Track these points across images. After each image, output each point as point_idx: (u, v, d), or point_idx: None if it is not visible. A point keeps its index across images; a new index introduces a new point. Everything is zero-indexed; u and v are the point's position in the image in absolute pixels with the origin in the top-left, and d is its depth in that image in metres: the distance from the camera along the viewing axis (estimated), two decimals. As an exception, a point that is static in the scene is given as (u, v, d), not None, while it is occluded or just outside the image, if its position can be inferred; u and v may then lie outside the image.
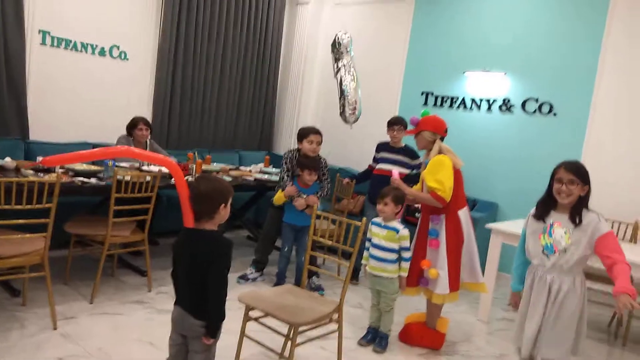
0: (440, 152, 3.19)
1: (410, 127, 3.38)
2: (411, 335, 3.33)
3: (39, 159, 3.44)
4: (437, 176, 3.10)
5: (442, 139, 3.27)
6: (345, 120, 4.91)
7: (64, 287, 3.51)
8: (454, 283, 3.19)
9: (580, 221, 2.30)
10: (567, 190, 2.30)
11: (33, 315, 3.03)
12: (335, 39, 4.82)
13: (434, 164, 3.15)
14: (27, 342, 2.72)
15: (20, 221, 2.70)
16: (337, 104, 4.99)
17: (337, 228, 2.97)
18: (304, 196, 3.85)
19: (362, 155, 5.34)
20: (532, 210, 2.52)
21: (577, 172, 2.31)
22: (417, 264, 3.23)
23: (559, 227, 2.35)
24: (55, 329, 2.89)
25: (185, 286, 2.06)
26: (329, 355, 2.99)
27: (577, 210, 2.32)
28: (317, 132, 4.01)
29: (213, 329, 2.00)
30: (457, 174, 3.20)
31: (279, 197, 3.92)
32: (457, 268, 3.21)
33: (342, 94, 4.79)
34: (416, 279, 3.26)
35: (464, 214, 3.25)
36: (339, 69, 4.79)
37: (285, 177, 3.97)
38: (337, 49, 4.82)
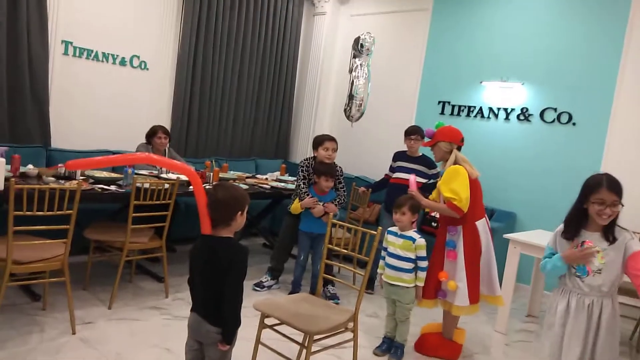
0: (456, 162, 3.17)
1: (426, 140, 3.39)
2: (427, 345, 3.30)
3: (61, 167, 3.53)
4: (452, 186, 3.08)
5: (459, 148, 3.26)
6: (349, 117, 4.94)
7: (83, 293, 3.56)
8: (474, 295, 3.14)
9: (615, 239, 2.16)
10: (611, 213, 2.13)
11: (53, 320, 3.08)
12: (359, 39, 4.86)
13: (448, 174, 3.13)
14: (47, 346, 2.76)
15: (41, 227, 2.76)
16: (362, 113, 5.04)
17: (352, 237, 2.96)
18: (322, 204, 3.86)
19: (378, 165, 5.34)
20: (559, 228, 2.35)
21: (620, 192, 2.14)
22: (435, 275, 3.21)
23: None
24: (74, 333, 2.94)
25: (202, 293, 2.08)
26: (344, 364, 2.98)
27: (610, 228, 2.17)
28: (332, 139, 4.04)
29: (229, 336, 2.01)
30: (475, 184, 3.16)
31: (295, 207, 3.94)
32: (477, 280, 3.17)
33: (350, 98, 4.84)
34: (434, 291, 3.23)
35: (482, 224, 3.21)
36: (355, 67, 4.83)
37: (302, 185, 3.99)
38: (357, 49, 4.86)
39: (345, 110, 4.99)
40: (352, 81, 4.88)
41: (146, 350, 2.88)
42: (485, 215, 3.30)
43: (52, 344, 2.80)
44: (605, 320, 2.18)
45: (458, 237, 3.16)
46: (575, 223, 2.25)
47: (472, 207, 3.10)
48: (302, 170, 4.07)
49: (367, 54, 4.82)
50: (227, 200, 2.03)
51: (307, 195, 3.91)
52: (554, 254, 2.33)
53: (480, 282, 3.21)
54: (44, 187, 2.74)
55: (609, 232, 2.17)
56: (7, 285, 2.72)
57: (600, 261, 2.18)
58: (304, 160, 4.15)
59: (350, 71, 4.91)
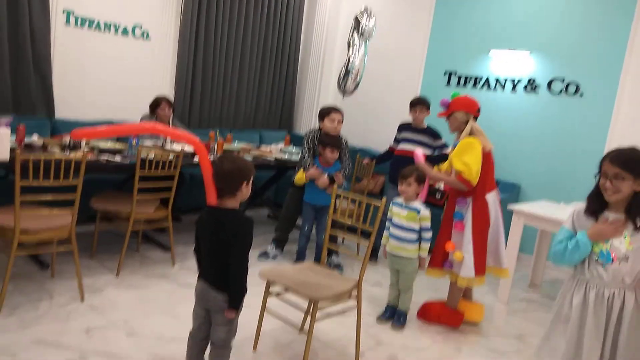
0: (471, 133, 3.13)
1: (441, 110, 3.32)
2: (429, 313, 3.35)
3: (66, 137, 3.54)
4: (464, 158, 3.06)
5: (475, 119, 3.21)
6: (343, 91, 4.90)
7: (91, 261, 3.62)
8: (480, 267, 3.15)
9: None
10: (612, 187, 1.90)
11: (61, 287, 3.14)
12: (360, 20, 4.79)
13: (462, 146, 3.11)
14: (57, 312, 2.83)
15: (48, 197, 2.78)
16: (357, 84, 4.99)
17: (356, 208, 2.98)
18: (326, 174, 3.86)
19: (383, 136, 5.32)
20: (577, 207, 2.07)
21: (625, 164, 1.88)
22: (442, 245, 3.23)
23: None
24: (82, 300, 3.00)
25: (208, 262, 2.11)
26: (347, 331, 3.03)
27: (635, 209, 1.89)
28: (338, 110, 4.02)
29: (235, 303, 2.05)
30: (487, 157, 3.14)
31: (300, 178, 3.94)
32: (483, 252, 3.18)
33: (347, 73, 4.79)
34: (441, 260, 3.26)
35: (492, 197, 3.20)
36: (352, 40, 4.78)
37: (307, 157, 3.99)
38: (357, 28, 4.80)
39: (339, 84, 4.94)
40: (349, 57, 4.83)
41: (154, 317, 2.94)
42: (497, 188, 3.29)
43: (62, 311, 2.86)
44: (627, 314, 1.92)
45: (467, 209, 3.16)
46: (597, 199, 1.98)
47: (482, 180, 3.09)
48: (307, 142, 4.06)
49: (369, 37, 4.75)
50: (233, 171, 2.05)
51: (312, 166, 3.91)
52: (571, 238, 2.03)
53: (487, 254, 3.22)
54: (49, 157, 2.75)
55: (636, 214, 1.89)
56: (16, 254, 2.76)
57: (627, 247, 1.92)
58: (310, 131, 4.13)
59: (349, 46, 4.85)
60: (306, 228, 3.99)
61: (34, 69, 4.44)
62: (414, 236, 3.14)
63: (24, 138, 3.37)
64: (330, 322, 2.95)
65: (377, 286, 3.88)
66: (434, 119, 4.30)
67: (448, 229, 3.25)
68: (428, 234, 3.14)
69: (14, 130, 3.30)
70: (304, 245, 4.01)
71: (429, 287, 3.86)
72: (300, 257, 4.01)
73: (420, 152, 3.35)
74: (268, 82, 6.34)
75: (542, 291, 4.24)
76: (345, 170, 4.06)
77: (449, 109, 3.24)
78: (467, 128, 3.15)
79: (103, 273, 3.45)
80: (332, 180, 3.87)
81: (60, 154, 3.13)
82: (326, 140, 3.89)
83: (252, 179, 2.12)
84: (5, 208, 2.94)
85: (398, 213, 3.17)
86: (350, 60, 4.76)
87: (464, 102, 3.22)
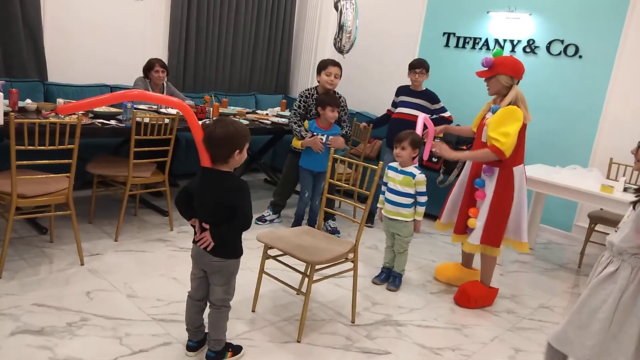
0: (514, 102, 2.90)
1: (482, 69, 3.01)
2: (469, 298, 3.12)
3: (60, 101, 3.50)
4: (504, 129, 2.83)
5: (517, 84, 2.98)
6: (340, 50, 4.78)
7: (89, 226, 3.64)
8: (494, 238, 3.03)
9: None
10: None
11: (60, 252, 3.17)
12: None
13: (504, 114, 2.86)
14: (57, 276, 2.86)
15: (44, 162, 2.77)
16: (355, 46, 4.88)
17: (353, 172, 2.97)
18: (323, 138, 3.79)
19: (380, 100, 5.27)
20: None
21: None
22: (465, 211, 3.14)
23: None
24: (82, 264, 3.03)
25: (203, 221, 2.11)
26: (344, 292, 3.09)
27: None
28: (336, 64, 3.92)
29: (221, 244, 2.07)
30: (523, 129, 2.94)
31: (295, 141, 3.90)
32: (500, 224, 3.03)
33: (340, 29, 4.66)
34: (464, 227, 3.17)
35: (519, 171, 3.03)
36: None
37: (297, 123, 3.89)
38: None
39: (335, 41, 4.82)
40: (341, 10, 4.68)
41: (153, 279, 2.98)
42: (523, 162, 3.10)
43: (62, 274, 2.89)
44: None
45: (492, 178, 3.00)
46: None
47: (514, 152, 2.90)
48: (301, 101, 3.97)
49: None
50: (224, 136, 1.98)
51: (306, 133, 3.82)
52: None
53: (507, 227, 3.08)
54: (44, 122, 2.72)
55: None
56: (14, 218, 2.78)
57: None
58: (304, 91, 4.04)
59: (336, 3, 4.72)
60: (306, 195, 3.92)
61: (24, 31, 4.34)
62: (409, 201, 3.15)
63: (17, 102, 3.33)
64: (327, 283, 3.00)
65: (372, 249, 3.93)
66: (431, 81, 4.27)
67: (471, 194, 3.12)
68: (423, 198, 3.15)
69: (6, 94, 3.26)
70: (302, 211, 3.98)
71: (426, 250, 3.91)
72: (297, 222, 4.01)
73: (422, 118, 3.24)
74: (263, 44, 6.22)
75: (535, 253, 4.31)
76: (346, 132, 4.01)
77: (493, 70, 2.92)
78: (512, 93, 2.90)
79: (102, 237, 3.48)
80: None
81: (55, 118, 3.10)
82: (325, 99, 3.75)
83: (247, 145, 2.06)
84: (2, 173, 2.94)
85: (393, 178, 3.18)
86: (344, 14, 4.61)
87: (511, 64, 2.93)
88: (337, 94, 4.00)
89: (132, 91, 2.70)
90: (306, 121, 3.91)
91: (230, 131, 2.00)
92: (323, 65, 3.92)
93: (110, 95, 2.40)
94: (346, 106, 4.07)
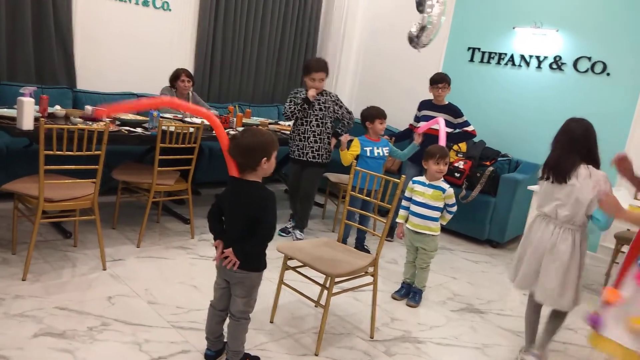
0: None
1: None
2: None
3: (88, 108, 3.57)
4: None
5: None
6: (415, 45, 4.65)
7: (112, 231, 3.68)
8: None
9: None
10: None
11: (84, 256, 3.21)
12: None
13: None
14: (79, 280, 2.90)
15: (71, 167, 2.83)
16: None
17: (375, 185, 2.96)
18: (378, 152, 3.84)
19: (402, 114, 5.26)
20: None
21: None
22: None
23: None
24: (104, 269, 3.06)
25: (229, 233, 2.12)
26: (362, 306, 3.06)
27: None
28: (320, 69, 3.93)
29: (241, 254, 2.06)
30: None
31: (345, 158, 3.75)
32: None
33: (422, 29, 4.55)
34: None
35: None
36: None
37: (289, 108, 3.93)
38: None
39: (410, 38, 4.64)
40: (426, 8, 4.55)
41: (174, 286, 3.00)
42: None
43: (84, 279, 2.93)
44: None
45: None
46: None
47: None
48: (291, 101, 3.98)
49: None
50: (250, 145, 1.99)
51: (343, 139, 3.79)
52: None
53: None
54: (72, 128, 2.78)
55: None
56: (40, 221, 2.83)
57: None
58: (293, 92, 4.05)
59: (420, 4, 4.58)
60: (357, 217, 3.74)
61: (56, 39, 4.46)
62: (437, 214, 3.15)
63: (47, 108, 3.41)
64: (346, 296, 2.98)
65: (392, 263, 3.89)
66: (454, 96, 4.25)
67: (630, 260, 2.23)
68: (454, 208, 3.17)
69: (37, 100, 3.34)
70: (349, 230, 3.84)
71: (447, 267, 3.86)
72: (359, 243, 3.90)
73: (434, 122, 3.26)
74: (287, 57, 6.27)
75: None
76: (348, 121, 4.10)
77: None
78: None
79: (124, 243, 3.52)
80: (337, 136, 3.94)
81: (83, 124, 3.17)
82: (373, 112, 3.80)
83: (274, 153, 2.07)
84: (30, 177, 3.00)
85: (422, 192, 3.15)
86: (428, 17, 4.48)
87: None
88: (327, 92, 4.04)
89: (163, 97, 2.75)
90: (356, 138, 3.85)
91: (257, 139, 2.01)
92: (307, 71, 3.93)
93: (142, 100, 2.47)
94: (340, 100, 4.13)
